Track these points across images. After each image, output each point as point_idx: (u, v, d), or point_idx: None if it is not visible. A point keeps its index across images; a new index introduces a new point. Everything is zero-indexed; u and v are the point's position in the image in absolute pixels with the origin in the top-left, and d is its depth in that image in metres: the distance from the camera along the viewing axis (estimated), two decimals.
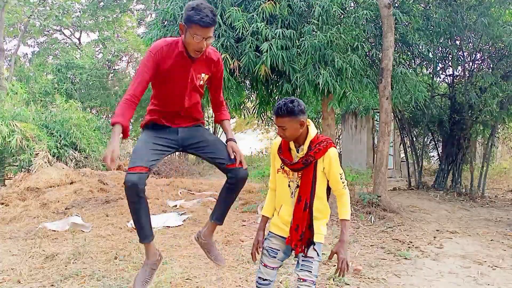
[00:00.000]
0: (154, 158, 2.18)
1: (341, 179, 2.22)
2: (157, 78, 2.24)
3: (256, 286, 2.37)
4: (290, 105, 2.12)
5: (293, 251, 2.29)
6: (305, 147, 2.20)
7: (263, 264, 2.35)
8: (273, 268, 2.33)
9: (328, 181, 2.27)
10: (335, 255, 2.20)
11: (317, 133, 2.27)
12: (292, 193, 2.29)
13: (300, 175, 2.24)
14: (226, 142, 2.44)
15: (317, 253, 2.23)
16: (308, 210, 2.22)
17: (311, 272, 2.19)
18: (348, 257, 2.20)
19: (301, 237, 2.23)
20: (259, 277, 2.35)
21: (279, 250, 2.34)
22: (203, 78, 2.30)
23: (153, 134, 2.31)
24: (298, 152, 2.23)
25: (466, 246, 4.86)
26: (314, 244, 2.22)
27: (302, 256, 2.24)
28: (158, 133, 2.33)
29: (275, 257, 2.33)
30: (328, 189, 2.32)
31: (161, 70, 2.20)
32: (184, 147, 2.36)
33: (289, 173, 2.28)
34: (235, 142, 2.42)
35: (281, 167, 2.31)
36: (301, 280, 2.19)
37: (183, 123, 2.37)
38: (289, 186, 2.30)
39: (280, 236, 2.34)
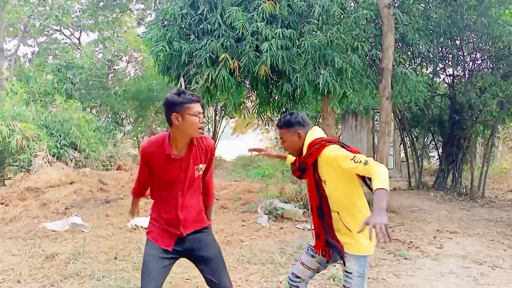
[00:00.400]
0: (163, 279, 2.16)
1: (356, 162, 1.95)
2: (151, 178, 2.23)
3: (287, 281, 2.32)
4: (288, 117, 2.19)
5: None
6: (304, 153, 2.18)
7: (300, 261, 2.30)
8: (309, 268, 2.26)
9: (356, 176, 2.05)
10: (366, 226, 1.75)
11: (319, 137, 2.17)
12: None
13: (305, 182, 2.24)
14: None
15: (357, 267, 2.05)
16: (323, 217, 2.13)
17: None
18: (383, 221, 1.71)
19: (326, 244, 2.14)
20: (292, 273, 2.30)
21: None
22: (201, 168, 2.22)
23: (159, 248, 2.19)
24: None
25: (466, 246, 4.86)
26: (346, 256, 2.07)
27: (344, 270, 2.12)
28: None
29: (313, 257, 2.25)
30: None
31: (152, 171, 2.20)
32: (187, 256, 2.27)
33: (302, 181, 2.28)
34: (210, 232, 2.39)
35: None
36: None
37: (189, 226, 2.23)
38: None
39: None
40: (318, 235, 2.17)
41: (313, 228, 2.24)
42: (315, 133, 2.22)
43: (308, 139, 2.18)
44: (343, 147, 2.10)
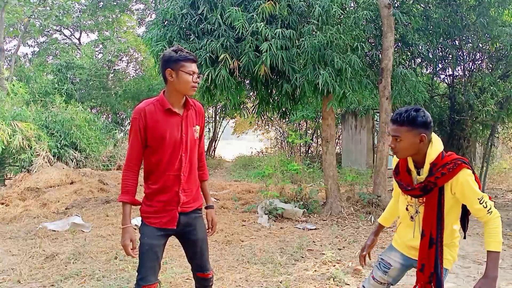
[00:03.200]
0: (160, 263, 2.19)
1: (481, 204, 1.78)
2: (149, 143, 2.10)
3: None
4: (413, 113, 1.80)
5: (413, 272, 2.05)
6: (425, 169, 1.85)
7: (371, 275, 2.17)
8: (381, 283, 2.12)
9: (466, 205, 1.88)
10: None
11: (443, 152, 1.87)
12: (411, 217, 1.99)
13: (421, 202, 1.90)
14: (206, 208, 2.40)
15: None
16: (435, 247, 1.87)
17: None
18: None
19: (429, 280, 1.91)
20: (363, 286, 2.19)
21: (392, 266, 2.09)
22: (197, 130, 2.20)
23: (156, 229, 2.15)
24: (419, 175, 1.89)
25: (466, 246, 4.87)
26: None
27: None
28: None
29: (386, 272, 2.09)
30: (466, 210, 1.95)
31: (150, 133, 2.07)
32: (177, 235, 2.27)
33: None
34: (213, 209, 2.44)
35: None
36: None
37: (186, 202, 2.17)
38: (407, 209, 2.00)
39: (399, 251, 2.10)
40: (422, 267, 1.91)
41: (416, 261, 1.98)
42: (439, 143, 1.89)
43: (435, 151, 1.85)
44: (473, 172, 1.84)
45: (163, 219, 2.14)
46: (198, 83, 2.10)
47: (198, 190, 2.30)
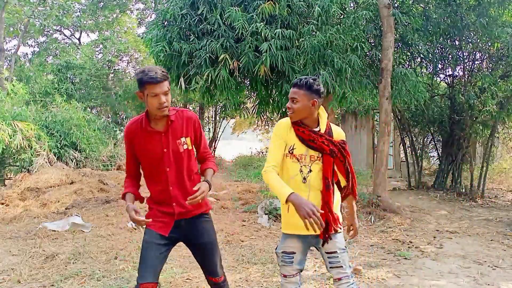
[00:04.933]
0: (161, 265, 2.15)
1: None
2: (138, 158, 2.23)
3: None
4: (310, 80, 2.10)
5: (311, 246, 2.21)
6: (322, 127, 2.17)
7: (282, 275, 2.17)
8: (293, 275, 2.15)
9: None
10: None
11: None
12: (304, 179, 2.13)
13: (313, 160, 2.13)
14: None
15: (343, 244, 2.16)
16: (332, 189, 2.14)
17: (343, 267, 2.12)
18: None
19: (325, 222, 2.05)
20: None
21: (294, 253, 2.14)
22: (184, 142, 2.19)
23: (156, 235, 2.18)
24: (315, 134, 2.13)
25: (466, 246, 4.87)
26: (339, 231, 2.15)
27: (326, 253, 2.13)
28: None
29: (292, 262, 2.14)
30: None
31: (136, 149, 2.20)
32: (183, 241, 2.29)
33: (301, 157, 2.12)
34: (208, 185, 2.20)
35: (289, 151, 2.14)
36: (337, 280, 2.12)
37: (183, 212, 2.20)
38: (301, 171, 2.13)
39: (295, 235, 2.14)
40: (322, 207, 2.10)
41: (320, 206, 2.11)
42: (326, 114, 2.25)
43: (326, 116, 2.22)
44: None
45: (158, 224, 2.18)
46: (166, 103, 2.07)
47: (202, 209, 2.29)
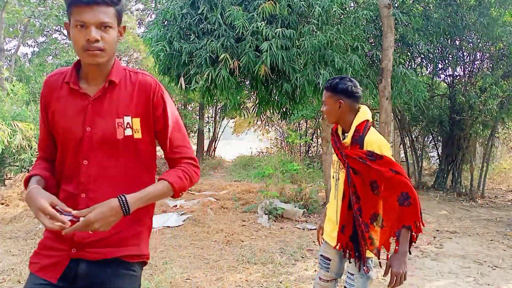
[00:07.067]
0: None
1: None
2: (52, 132, 1.38)
3: None
4: (336, 80, 1.96)
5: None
6: (349, 135, 1.93)
7: (318, 277, 2.15)
8: (327, 281, 2.10)
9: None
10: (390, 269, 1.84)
11: (367, 121, 1.94)
12: (336, 183, 2.04)
13: (341, 167, 1.97)
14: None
15: (362, 268, 1.93)
16: (353, 210, 1.89)
17: None
18: (403, 270, 1.80)
19: (350, 239, 1.91)
20: None
21: (330, 260, 2.08)
22: (129, 124, 1.30)
23: (34, 277, 1.29)
24: (343, 140, 1.99)
25: (466, 246, 4.87)
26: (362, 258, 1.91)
27: (348, 272, 1.99)
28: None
29: (327, 268, 2.09)
30: None
31: (50, 118, 1.35)
32: None
33: (334, 162, 2.04)
34: (124, 212, 1.21)
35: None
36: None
37: (90, 243, 1.27)
38: (333, 177, 2.06)
39: (329, 243, 2.07)
40: (343, 228, 1.95)
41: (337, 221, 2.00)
42: (364, 114, 1.98)
43: (358, 120, 1.95)
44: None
45: (43, 260, 1.29)
46: (101, 43, 1.22)
47: (135, 229, 1.35)
